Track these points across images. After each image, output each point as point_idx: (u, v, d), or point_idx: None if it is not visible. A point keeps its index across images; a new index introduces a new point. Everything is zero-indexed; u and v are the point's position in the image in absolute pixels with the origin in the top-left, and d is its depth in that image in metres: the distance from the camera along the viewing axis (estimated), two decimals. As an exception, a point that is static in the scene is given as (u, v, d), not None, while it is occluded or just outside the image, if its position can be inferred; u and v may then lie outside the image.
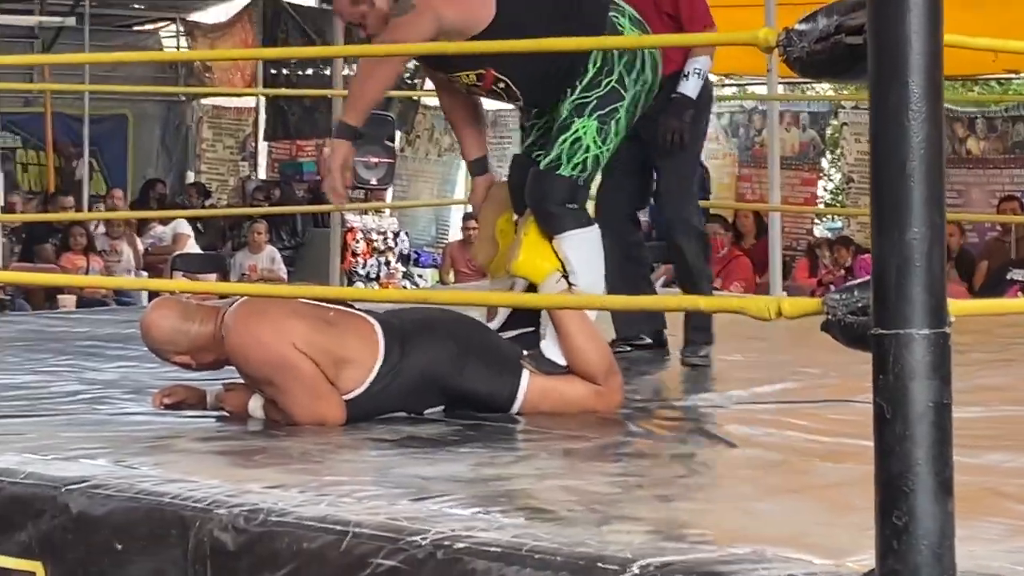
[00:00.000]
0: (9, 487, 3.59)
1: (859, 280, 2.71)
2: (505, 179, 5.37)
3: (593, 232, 5.13)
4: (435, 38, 4.89)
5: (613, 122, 5.04)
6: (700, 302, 3.22)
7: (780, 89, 13.13)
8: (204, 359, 4.53)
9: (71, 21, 15.26)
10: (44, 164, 16.55)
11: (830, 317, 2.69)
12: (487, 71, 5.03)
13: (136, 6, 18.50)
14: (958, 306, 2.75)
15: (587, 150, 4.99)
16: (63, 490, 3.51)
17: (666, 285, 12.40)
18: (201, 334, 4.49)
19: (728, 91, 16.09)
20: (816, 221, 16.18)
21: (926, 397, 2.51)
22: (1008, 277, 10.14)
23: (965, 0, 11.73)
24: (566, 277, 4.96)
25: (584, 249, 5.03)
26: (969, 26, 11.60)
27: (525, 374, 4.64)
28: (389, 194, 16.55)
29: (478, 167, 5.45)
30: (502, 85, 5.09)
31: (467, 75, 5.09)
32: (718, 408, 4.83)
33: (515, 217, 5.25)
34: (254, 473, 3.68)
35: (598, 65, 5.03)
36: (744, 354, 6.16)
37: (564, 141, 4.99)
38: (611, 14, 5.12)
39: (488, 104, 5.85)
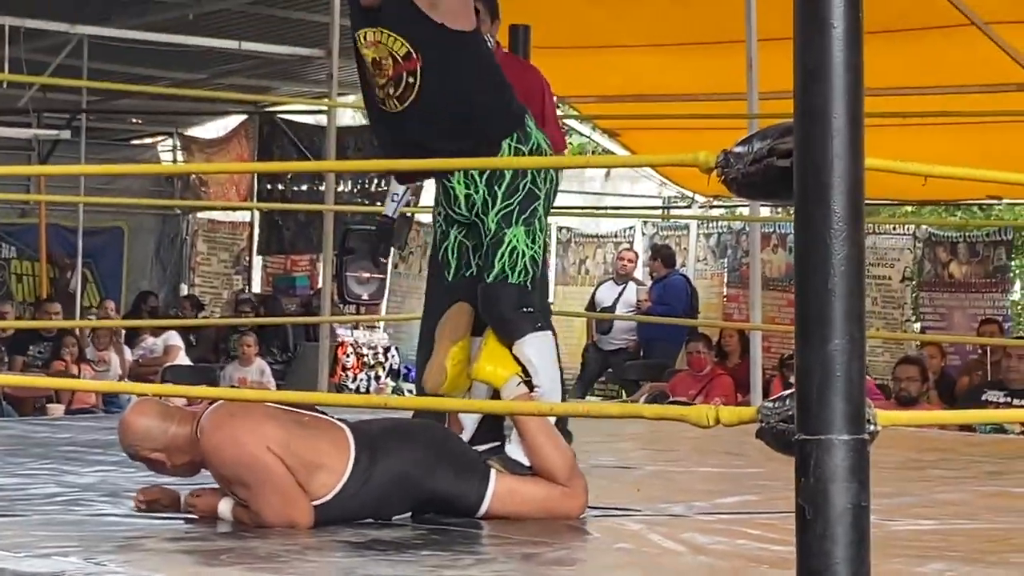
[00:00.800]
0: (-18, 584, 3.66)
1: (790, 391, 2.82)
2: (462, 306, 5.28)
3: (549, 335, 5.24)
4: None
5: (536, 221, 5.12)
6: (644, 411, 3.31)
7: (766, 211, 13.30)
8: (179, 460, 4.52)
9: (67, 134, 15.42)
10: (38, 275, 16.63)
11: (763, 424, 2.81)
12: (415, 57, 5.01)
13: (133, 120, 18.66)
14: (884, 416, 2.88)
15: (523, 255, 5.05)
16: (34, 586, 3.56)
17: (651, 400, 12.51)
18: (178, 435, 4.49)
19: (716, 212, 16.25)
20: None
21: (845, 499, 2.60)
22: (983, 399, 10.22)
23: (946, 130, 11.96)
24: (527, 382, 5.06)
25: (544, 351, 5.13)
26: (951, 154, 11.83)
27: (493, 476, 4.68)
28: (383, 309, 16.68)
29: None
30: (410, 79, 5.02)
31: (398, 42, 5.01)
32: (679, 517, 4.86)
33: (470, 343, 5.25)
34: (220, 572, 3.71)
35: (511, 170, 5.12)
36: (716, 467, 6.22)
37: (502, 255, 5.06)
38: (527, 121, 5.20)
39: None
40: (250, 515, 4.47)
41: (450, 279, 5.33)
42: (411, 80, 5.01)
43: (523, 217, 5.11)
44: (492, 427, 5.23)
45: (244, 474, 4.43)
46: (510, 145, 5.11)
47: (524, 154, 5.14)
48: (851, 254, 2.66)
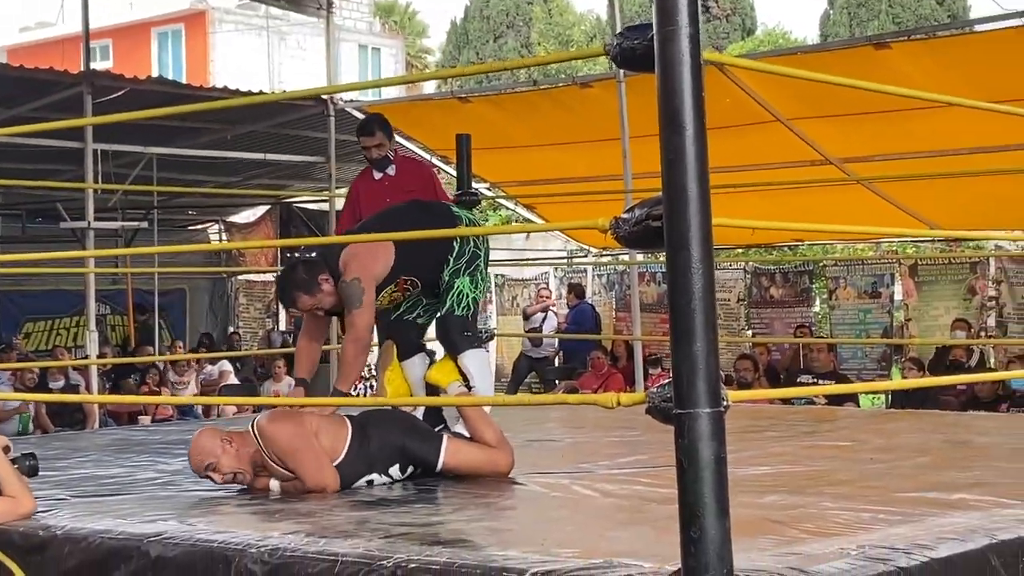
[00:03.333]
0: (107, 541, 3.67)
1: (668, 380, 2.85)
2: (388, 343, 5.41)
3: (484, 352, 5.32)
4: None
5: (479, 273, 5.24)
6: (569, 399, 3.34)
7: (640, 257, 13.38)
8: (229, 467, 4.51)
9: (144, 225, 15.38)
10: (126, 325, 16.55)
11: (651, 404, 2.84)
12: (400, 281, 5.15)
13: (190, 212, 18.61)
14: (733, 395, 2.93)
15: (467, 296, 5.19)
16: (144, 542, 3.59)
17: (567, 393, 12.53)
18: (230, 448, 4.51)
19: (605, 259, 16.33)
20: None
21: (709, 453, 2.60)
22: (798, 381, 10.35)
23: (764, 195, 12.07)
24: (466, 385, 5.14)
25: (479, 362, 5.21)
26: (768, 212, 11.90)
27: (445, 439, 4.79)
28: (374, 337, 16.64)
29: (302, 383, 5.15)
30: (408, 283, 5.20)
31: (391, 291, 5.15)
32: (592, 473, 4.89)
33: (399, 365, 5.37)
34: (275, 525, 3.74)
35: (459, 243, 5.20)
36: (616, 438, 6.19)
37: (452, 296, 5.17)
38: (454, 211, 5.37)
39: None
40: (293, 485, 4.50)
41: (391, 318, 5.40)
42: (408, 283, 5.21)
43: (468, 271, 5.20)
44: (435, 417, 5.30)
45: (293, 447, 4.47)
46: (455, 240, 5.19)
47: (467, 237, 5.23)
48: (705, 284, 2.66)
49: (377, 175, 6.70)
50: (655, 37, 2.73)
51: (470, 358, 5.17)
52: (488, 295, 16.42)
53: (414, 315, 5.38)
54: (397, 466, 4.69)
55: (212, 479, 4.52)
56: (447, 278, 5.19)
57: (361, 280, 4.93)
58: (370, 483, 4.64)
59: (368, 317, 4.99)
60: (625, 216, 2.96)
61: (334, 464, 4.56)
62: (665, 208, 2.74)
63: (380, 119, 6.84)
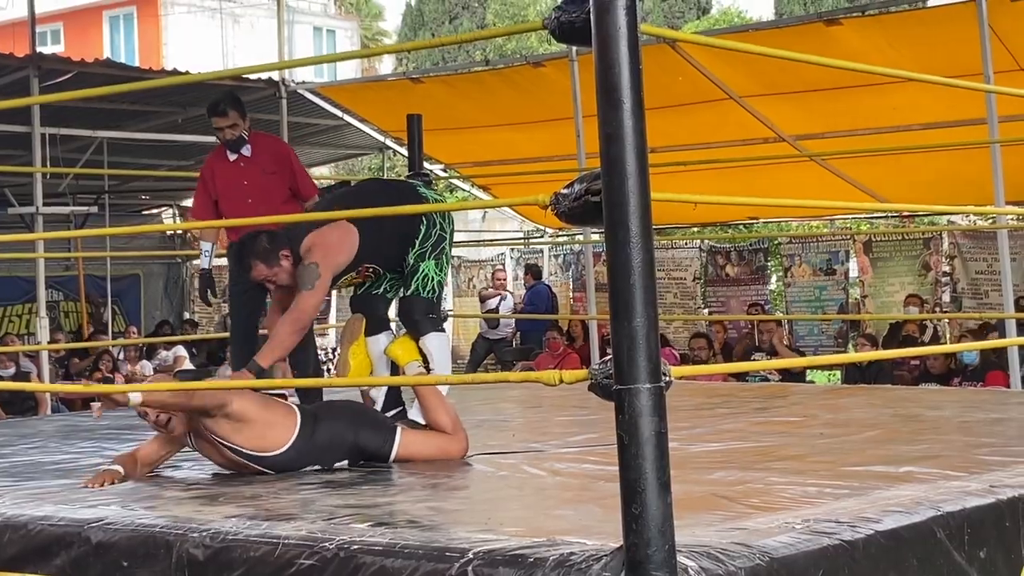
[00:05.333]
0: (48, 528, 3.63)
1: (609, 356, 2.82)
2: (358, 316, 5.34)
3: (445, 335, 5.29)
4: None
5: (444, 256, 5.22)
6: (510, 377, 3.32)
7: (596, 237, 13.38)
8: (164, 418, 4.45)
9: (95, 210, 15.24)
10: (79, 311, 16.41)
11: (592, 381, 2.81)
12: (362, 268, 5.16)
13: (143, 197, 18.45)
14: (676, 371, 2.91)
15: (432, 279, 5.17)
16: (85, 527, 3.55)
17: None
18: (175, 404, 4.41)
19: (561, 239, 16.33)
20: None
21: (649, 429, 2.58)
22: (752, 358, 10.38)
23: (715, 173, 12.09)
24: (425, 365, 5.12)
25: (439, 344, 5.19)
26: (718, 190, 11.94)
27: (398, 430, 4.75)
28: (332, 316, 16.58)
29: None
30: (371, 270, 5.22)
31: (351, 276, 5.19)
32: (539, 452, 4.89)
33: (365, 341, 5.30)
34: (220, 509, 3.70)
35: (426, 225, 5.18)
36: (567, 417, 6.22)
37: (416, 279, 5.16)
38: (419, 190, 5.30)
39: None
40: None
41: (358, 292, 5.36)
42: (371, 270, 5.22)
43: (433, 254, 5.18)
44: (395, 399, 5.28)
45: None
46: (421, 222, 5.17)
47: (433, 217, 5.20)
48: (645, 259, 2.64)
49: (232, 156, 6.35)
50: (591, 9, 2.71)
51: (431, 340, 5.18)
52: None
53: (381, 289, 5.36)
54: (346, 463, 4.65)
55: (147, 416, 4.44)
56: (412, 261, 5.18)
57: (320, 266, 4.93)
58: (313, 471, 4.57)
59: (316, 301, 4.97)
60: (564, 192, 2.94)
61: (276, 453, 4.49)
62: (603, 183, 2.70)
63: (233, 97, 6.47)
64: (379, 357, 5.31)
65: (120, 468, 4.43)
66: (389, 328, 5.45)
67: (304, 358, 5.86)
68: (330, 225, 5.00)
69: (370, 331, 5.29)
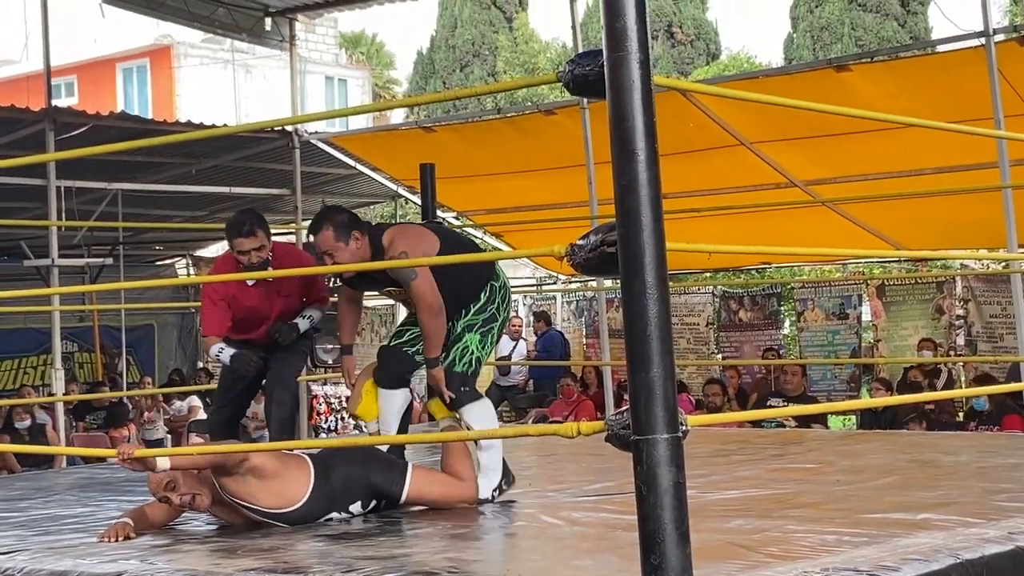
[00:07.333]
0: (68, 582, 3.62)
1: (626, 407, 2.83)
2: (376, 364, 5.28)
3: (486, 401, 5.19)
4: None
5: (490, 335, 5.09)
6: (530, 431, 3.33)
7: (608, 283, 13.40)
8: (195, 489, 4.45)
9: (109, 261, 15.31)
10: (94, 362, 16.46)
11: (609, 432, 2.82)
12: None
13: (156, 248, 18.54)
14: (693, 420, 2.91)
15: (472, 354, 5.03)
16: (104, 582, 3.57)
17: (536, 422, 12.46)
18: (189, 473, 4.43)
19: (574, 286, 16.34)
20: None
21: (668, 479, 2.59)
22: (768, 404, 10.32)
23: (730, 217, 12.10)
24: (457, 421, 5.07)
25: (479, 412, 5.05)
26: (731, 236, 11.94)
27: (409, 469, 4.76)
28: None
29: (347, 349, 5.36)
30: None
31: (403, 291, 5.01)
32: (556, 500, 4.88)
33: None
34: (239, 562, 3.70)
35: (488, 295, 5.09)
36: (584, 465, 6.18)
37: (457, 349, 5.02)
38: (496, 269, 5.21)
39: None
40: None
41: (391, 343, 5.31)
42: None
43: (481, 330, 5.08)
44: (399, 453, 5.19)
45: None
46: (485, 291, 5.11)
47: (497, 290, 5.12)
48: (661, 310, 2.66)
49: (250, 282, 5.82)
50: (605, 63, 2.74)
51: (472, 411, 5.02)
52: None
53: (414, 350, 5.20)
54: (359, 503, 4.66)
55: (170, 499, 4.43)
56: (459, 328, 5.05)
57: (409, 253, 4.84)
58: (328, 522, 4.58)
59: (426, 281, 4.84)
60: (580, 243, 2.95)
61: (294, 508, 4.50)
62: (619, 234, 2.73)
63: (258, 216, 5.86)
64: (392, 412, 5.19)
65: (131, 522, 4.42)
66: (408, 386, 5.31)
67: (279, 413, 5.75)
68: (409, 226, 5.00)
69: (386, 383, 5.21)
